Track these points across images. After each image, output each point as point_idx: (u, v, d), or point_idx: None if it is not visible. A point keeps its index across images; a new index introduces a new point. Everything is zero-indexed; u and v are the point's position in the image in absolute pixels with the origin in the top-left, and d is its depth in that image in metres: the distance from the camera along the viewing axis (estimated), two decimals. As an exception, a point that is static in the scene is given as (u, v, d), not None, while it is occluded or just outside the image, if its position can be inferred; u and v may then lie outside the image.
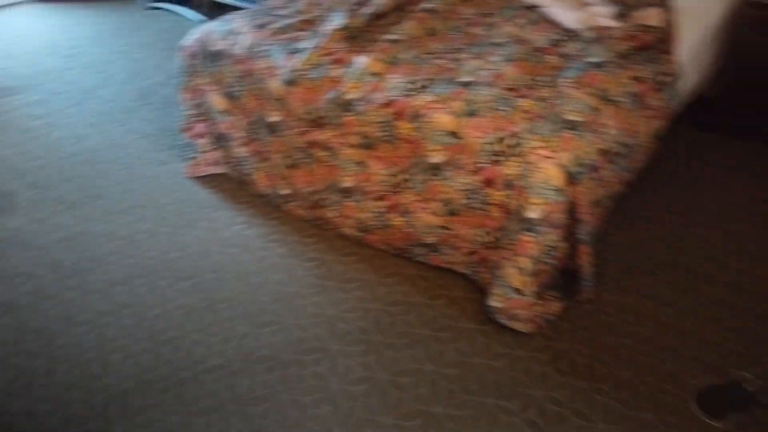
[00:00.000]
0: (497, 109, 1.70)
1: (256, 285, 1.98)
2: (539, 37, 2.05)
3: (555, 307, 1.82)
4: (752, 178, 2.45)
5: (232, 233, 2.20)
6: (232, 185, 2.45)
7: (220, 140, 2.39)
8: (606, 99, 1.75)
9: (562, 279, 1.87)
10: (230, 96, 2.25)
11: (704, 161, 2.56)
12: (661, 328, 1.78)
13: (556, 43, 2.02)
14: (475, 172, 1.71)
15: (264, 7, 2.45)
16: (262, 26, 2.24)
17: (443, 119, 1.74)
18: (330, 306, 1.89)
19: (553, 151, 1.59)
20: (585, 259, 1.75)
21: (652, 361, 1.67)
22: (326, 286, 1.96)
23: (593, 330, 1.78)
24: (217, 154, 2.45)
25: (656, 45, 2.02)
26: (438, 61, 1.96)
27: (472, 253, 1.87)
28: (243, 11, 2.45)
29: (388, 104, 1.83)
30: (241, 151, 2.32)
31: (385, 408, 1.58)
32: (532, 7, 2.25)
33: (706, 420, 1.51)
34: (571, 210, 1.66)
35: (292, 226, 2.22)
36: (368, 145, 1.90)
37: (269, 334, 1.80)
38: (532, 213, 1.61)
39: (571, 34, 2.06)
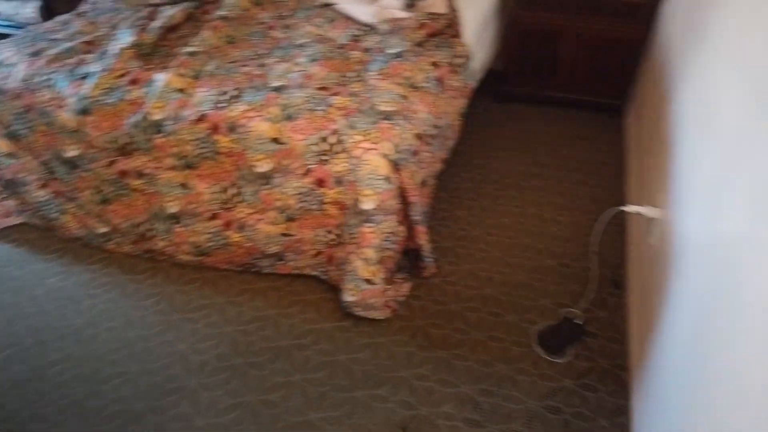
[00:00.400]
0: (314, 110, 1.70)
1: (89, 338, 1.77)
2: (339, 35, 2.09)
3: (405, 288, 1.89)
4: (545, 137, 2.77)
5: (48, 287, 1.94)
6: (36, 235, 2.15)
7: (10, 187, 2.08)
8: (412, 86, 1.84)
9: (406, 260, 1.95)
10: (13, 136, 1.97)
11: (504, 127, 2.84)
12: (499, 286, 1.94)
13: (356, 39, 2.08)
14: (305, 174, 1.70)
15: (34, 33, 2.17)
16: (36, 54, 1.99)
17: (262, 127, 1.69)
18: (179, 341, 1.76)
19: (375, 143, 1.64)
20: (422, 238, 1.83)
21: (497, 318, 1.82)
22: (171, 321, 1.82)
23: (442, 301, 1.88)
24: (10, 204, 2.13)
25: (445, 30, 2.17)
26: (244, 69, 1.90)
27: (318, 254, 1.86)
28: (7, 40, 2.14)
29: (200, 119, 1.74)
30: (40, 195, 2.05)
31: (261, 429, 1.52)
32: (326, 6, 2.28)
33: (551, 359, 1.69)
34: (402, 195, 1.73)
35: (119, 266, 2.02)
36: (188, 164, 1.79)
37: (114, 388, 1.63)
38: (367, 204, 1.65)
39: (368, 29, 2.14)
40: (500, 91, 3.06)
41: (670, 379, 1.27)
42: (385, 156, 1.64)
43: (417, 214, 1.77)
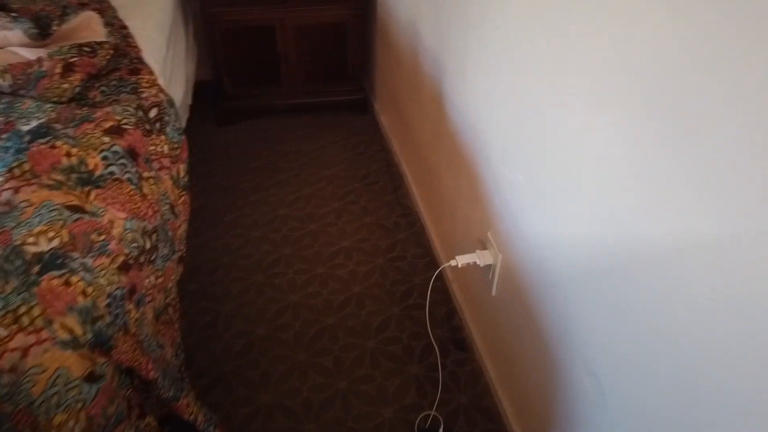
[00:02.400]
0: None
1: None
2: None
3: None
4: (298, 158, 2.17)
5: None
6: None
7: None
8: (87, 182, 1.04)
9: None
10: None
11: (242, 159, 2.15)
12: (322, 413, 1.32)
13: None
14: None
15: None
16: None
17: None
18: None
19: (39, 331, 0.83)
20: (188, 411, 1.11)
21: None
22: None
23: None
24: None
25: (116, 65, 1.37)
26: None
27: None
28: None
29: None
30: None
31: None
32: None
33: None
34: (128, 374, 0.97)
35: None
36: None
37: None
38: (67, 436, 0.85)
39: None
40: (222, 111, 2.35)
41: None
42: (69, 343, 0.85)
43: (166, 387, 1.03)
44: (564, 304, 0.94)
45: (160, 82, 1.43)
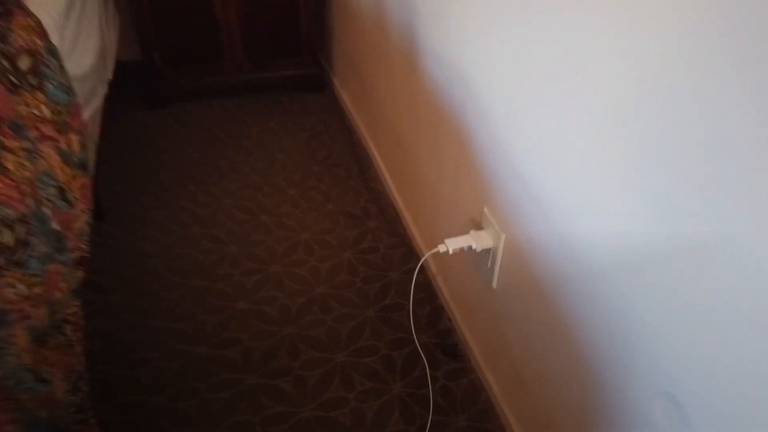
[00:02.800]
0: None
1: None
2: None
3: None
4: (245, 144, 1.85)
5: None
6: None
7: None
8: None
9: None
10: None
11: (177, 148, 1.81)
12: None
13: None
14: None
15: None
16: None
17: None
18: None
19: None
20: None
21: None
22: None
23: None
24: None
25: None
26: None
27: None
28: None
29: None
30: None
31: None
32: None
33: None
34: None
35: None
36: None
37: None
38: None
39: None
40: (152, 91, 2.00)
41: None
42: None
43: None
44: (610, 295, 0.65)
45: (54, 39, 1.09)
